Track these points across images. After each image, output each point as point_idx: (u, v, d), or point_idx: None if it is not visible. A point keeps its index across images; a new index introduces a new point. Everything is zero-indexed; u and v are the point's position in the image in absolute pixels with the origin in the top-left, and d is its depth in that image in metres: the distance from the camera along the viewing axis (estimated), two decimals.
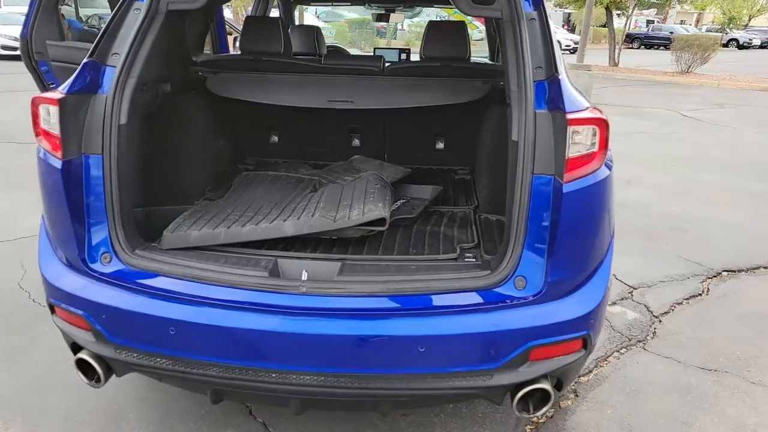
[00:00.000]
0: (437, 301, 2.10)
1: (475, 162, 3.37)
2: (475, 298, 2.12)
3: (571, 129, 1.97)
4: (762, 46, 43.47)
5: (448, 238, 2.55)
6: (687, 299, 4.23)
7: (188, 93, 3.18)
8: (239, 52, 3.37)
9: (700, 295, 4.30)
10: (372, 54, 5.92)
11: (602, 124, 2.03)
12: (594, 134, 2.03)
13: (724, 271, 4.71)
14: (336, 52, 5.53)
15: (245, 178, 3.04)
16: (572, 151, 2.00)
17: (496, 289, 2.13)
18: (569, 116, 1.97)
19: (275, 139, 3.70)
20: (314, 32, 4.57)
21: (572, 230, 2.07)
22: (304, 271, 2.15)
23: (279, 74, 3.17)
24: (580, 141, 2.02)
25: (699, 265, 4.79)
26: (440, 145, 3.60)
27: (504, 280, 2.12)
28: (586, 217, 2.10)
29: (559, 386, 2.23)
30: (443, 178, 3.46)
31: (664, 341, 3.64)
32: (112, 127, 2.22)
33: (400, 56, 6.38)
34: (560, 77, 2.11)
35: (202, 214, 2.55)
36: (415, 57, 6.88)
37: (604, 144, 2.05)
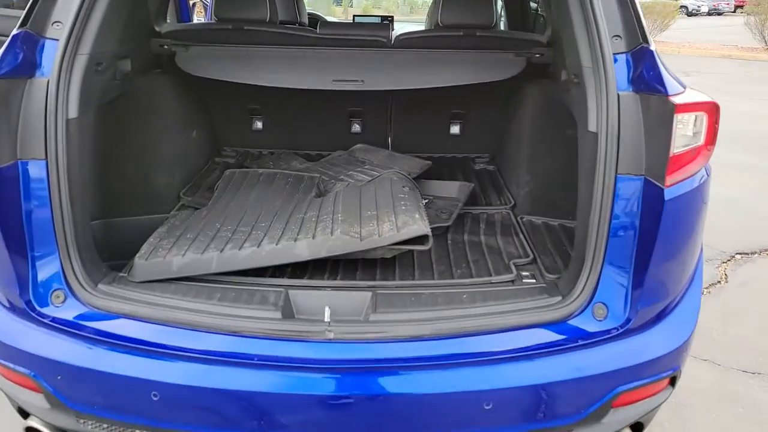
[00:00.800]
0: (503, 342, 1.66)
1: (502, 150, 2.89)
2: (547, 335, 1.68)
3: (677, 117, 1.53)
4: (709, 14, 44.49)
5: (494, 251, 2.09)
6: (707, 288, 3.96)
7: (153, 73, 2.56)
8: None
9: (719, 282, 4.04)
10: (378, 20, 5.27)
11: (712, 110, 1.60)
12: (700, 123, 1.61)
13: (737, 254, 4.47)
14: (317, 20, 4.88)
15: (231, 178, 2.47)
16: (678, 146, 1.57)
17: (570, 322, 1.70)
18: (675, 100, 1.52)
19: (259, 125, 3.12)
20: None
21: (669, 245, 1.67)
22: (326, 308, 1.66)
23: (267, 48, 2.58)
24: (685, 132, 1.59)
25: (710, 247, 4.52)
26: (455, 130, 3.10)
27: (580, 308, 1.70)
28: (685, 228, 1.69)
29: (638, 429, 1.84)
30: (462, 169, 2.98)
31: (697, 339, 3.33)
32: (58, 122, 1.65)
33: (381, 22, 5.81)
34: (651, 49, 1.66)
35: (183, 231, 1.99)
36: (406, 27, 6.39)
37: (712, 136, 1.63)
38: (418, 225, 1.83)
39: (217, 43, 2.61)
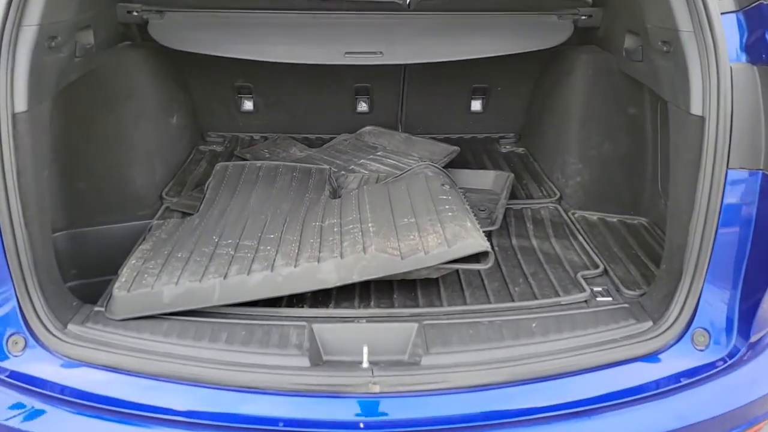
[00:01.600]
0: (590, 385, 1.33)
1: (535, 130, 2.51)
2: (641, 373, 1.37)
3: None
4: None
5: (552, 259, 1.74)
6: None
7: (121, 47, 2.09)
8: None
9: None
10: None
11: None
12: None
13: None
14: None
15: (224, 174, 2.04)
16: None
17: (666, 353, 1.39)
18: None
19: (248, 105, 2.66)
20: None
21: None
22: (364, 348, 1.30)
23: (263, 13, 2.12)
24: None
25: None
26: (477, 106, 2.69)
27: (677, 336, 1.38)
28: None
29: None
30: (487, 153, 2.59)
31: None
32: (1, 119, 1.23)
33: None
34: None
35: (172, 248, 1.59)
36: None
37: None
38: (474, 238, 1.46)
39: (199, 7, 2.14)
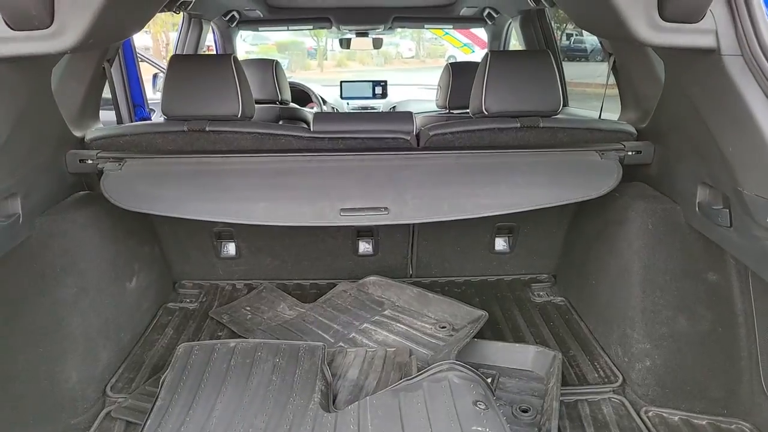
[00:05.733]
0: None
1: (578, 280, 2.05)
2: None
3: None
4: None
5: None
6: None
7: (67, 204, 1.71)
8: (161, 116, 1.92)
9: None
10: (369, 86, 4.45)
11: None
12: None
13: None
14: (300, 93, 4.08)
15: (187, 362, 1.58)
16: None
17: None
18: None
19: (230, 250, 2.25)
20: (272, 69, 3.16)
21: None
22: None
23: (241, 158, 1.75)
24: None
25: None
26: (502, 245, 2.26)
27: None
28: None
29: None
30: (518, 304, 2.12)
31: None
32: None
33: (374, 91, 5.09)
34: None
35: None
36: (400, 90, 5.60)
37: None
38: None
39: (166, 152, 1.78)
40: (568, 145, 1.83)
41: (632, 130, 1.85)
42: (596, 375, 1.69)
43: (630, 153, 1.79)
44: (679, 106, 1.55)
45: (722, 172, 1.31)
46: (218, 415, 1.40)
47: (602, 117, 2.26)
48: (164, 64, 4.87)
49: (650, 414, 1.53)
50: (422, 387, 1.37)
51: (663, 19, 1.21)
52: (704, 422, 1.50)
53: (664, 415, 1.52)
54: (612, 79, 2.12)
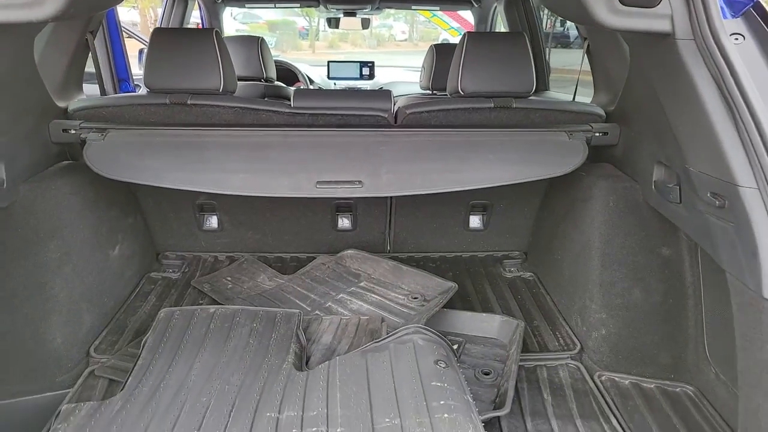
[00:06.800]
0: None
1: (546, 256, 2.14)
2: None
3: None
4: None
5: None
6: None
7: (51, 172, 1.76)
8: (144, 87, 1.96)
9: None
10: (356, 66, 4.48)
11: None
12: None
13: None
14: (287, 72, 4.11)
15: (168, 325, 1.65)
16: None
17: None
18: None
19: (212, 223, 2.31)
20: (258, 46, 3.19)
21: None
22: None
23: (220, 131, 1.81)
24: None
25: None
26: (476, 223, 2.35)
27: None
28: None
29: None
30: (489, 278, 2.21)
31: None
32: None
33: (362, 72, 5.11)
34: None
35: None
36: (388, 72, 5.63)
37: None
38: None
39: (148, 124, 1.83)
40: (540, 125, 1.91)
41: (601, 112, 1.93)
42: (556, 343, 1.79)
43: (597, 134, 1.87)
44: (642, 90, 1.63)
45: (675, 152, 1.39)
46: (196, 374, 1.48)
47: (577, 100, 2.33)
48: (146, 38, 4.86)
49: (603, 378, 1.64)
50: (388, 348, 1.45)
51: (622, 4, 1.27)
52: (652, 386, 1.61)
53: (616, 379, 1.63)
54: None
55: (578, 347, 1.75)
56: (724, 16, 1.22)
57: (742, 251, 1.08)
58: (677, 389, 1.59)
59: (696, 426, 1.45)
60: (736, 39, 1.21)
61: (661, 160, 1.52)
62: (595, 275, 1.71)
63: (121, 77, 3.25)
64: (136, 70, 3.35)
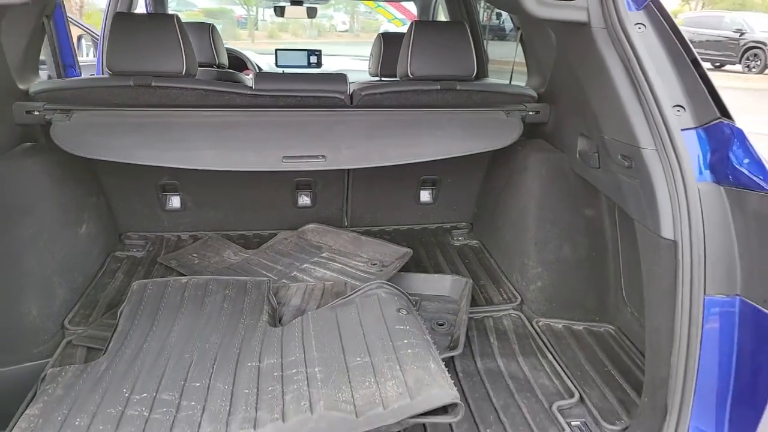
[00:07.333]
0: None
1: (490, 224, 2.38)
2: None
3: None
4: None
5: (522, 385, 1.57)
6: None
7: (17, 152, 1.80)
8: (102, 72, 2.02)
9: None
10: (304, 55, 4.57)
11: None
12: None
13: None
14: (236, 59, 4.15)
15: (142, 295, 1.74)
16: None
17: None
18: None
19: (175, 203, 2.39)
20: (209, 33, 3.24)
21: None
22: None
23: (186, 111, 1.90)
24: None
25: None
26: (426, 197, 2.56)
27: None
28: None
29: None
30: (440, 246, 2.43)
31: None
32: None
33: (309, 60, 5.21)
34: (735, 125, 1.26)
35: (70, 410, 1.28)
36: (335, 60, 5.75)
37: None
38: (441, 386, 1.26)
39: (111, 106, 1.89)
40: (481, 105, 2.12)
41: (534, 93, 2.17)
42: (500, 297, 2.03)
43: (530, 113, 2.11)
44: (566, 73, 1.87)
45: (593, 124, 1.63)
46: (176, 336, 1.59)
47: (513, 83, 2.58)
48: (86, 25, 4.73)
49: (540, 323, 1.89)
50: (355, 302, 1.63)
51: None
52: (581, 327, 1.87)
53: (551, 323, 1.89)
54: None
55: (519, 299, 1.99)
56: (629, 9, 1.46)
57: (645, 201, 1.33)
58: (601, 329, 1.86)
59: (616, 357, 1.72)
60: (639, 28, 1.45)
61: (583, 132, 1.77)
62: (531, 236, 1.96)
63: (67, 62, 3.21)
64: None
